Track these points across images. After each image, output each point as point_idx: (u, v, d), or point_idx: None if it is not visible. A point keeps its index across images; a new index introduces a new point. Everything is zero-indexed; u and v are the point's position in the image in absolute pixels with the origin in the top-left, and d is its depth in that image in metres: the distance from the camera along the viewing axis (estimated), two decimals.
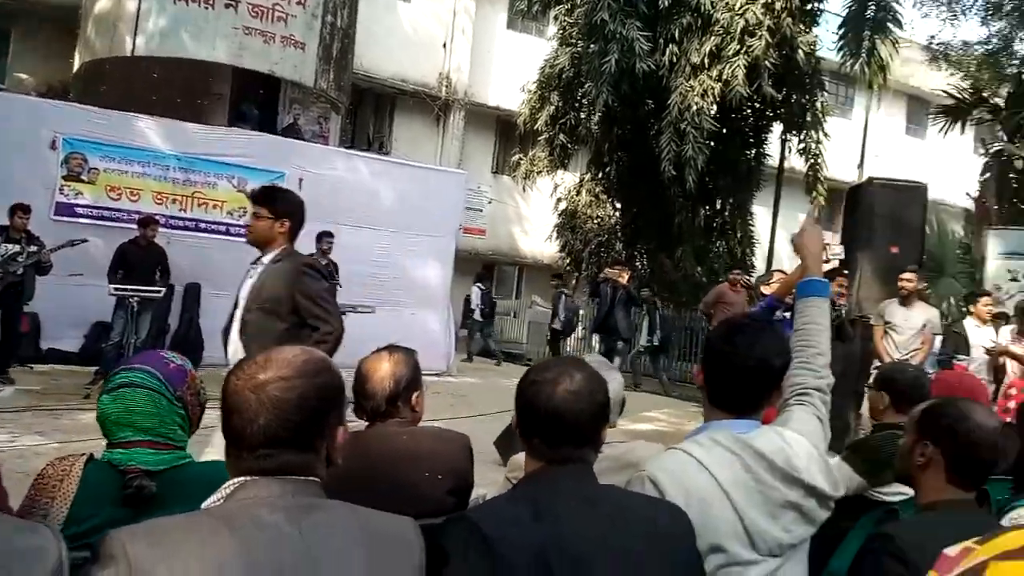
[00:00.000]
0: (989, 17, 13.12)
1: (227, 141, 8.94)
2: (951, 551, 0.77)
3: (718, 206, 12.92)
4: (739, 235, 12.89)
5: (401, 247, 9.83)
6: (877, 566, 1.62)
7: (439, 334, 10.13)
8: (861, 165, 16.38)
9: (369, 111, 17.66)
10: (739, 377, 1.63)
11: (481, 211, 18.12)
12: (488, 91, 17.66)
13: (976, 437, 1.70)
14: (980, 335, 6.38)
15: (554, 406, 1.33)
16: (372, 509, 1.14)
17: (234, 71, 10.66)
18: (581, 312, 13.62)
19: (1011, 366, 5.99)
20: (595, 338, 11.01)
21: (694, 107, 10.03)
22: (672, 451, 1.56)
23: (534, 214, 17.84)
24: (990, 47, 13.31)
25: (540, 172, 14.50)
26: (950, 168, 17.27)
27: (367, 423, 1.99)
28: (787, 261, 19.39)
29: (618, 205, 14.05)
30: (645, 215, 12.90)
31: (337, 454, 1.14)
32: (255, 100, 11.08)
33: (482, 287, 13.40)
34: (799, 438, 1.60)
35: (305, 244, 8.15)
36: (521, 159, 14.94)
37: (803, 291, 1.88)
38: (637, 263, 13.63)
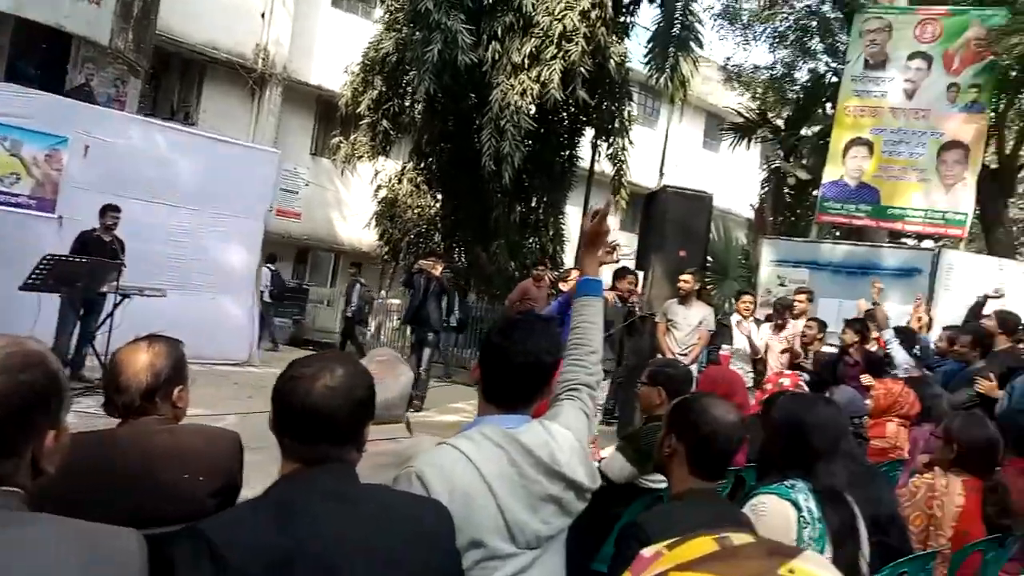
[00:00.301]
0: (775, 45, 14.63)
1: (1, 99, 7.90)
2: (647, 552, 0.79)
3: (533, 203, 13.31)
4: (551, 233, 13.37)
5: (203, 227, 9.19)
6: (625, 552, 1.74)
7: (241, 321, 9.61)
8: (662, 173, 17.63)
9: (175, 78, 16.34)
10: (512, 373, 1.68)
11: (297, 193, 17.44)
12: (310, 68, 16.99)
13: (711, 431, 1.86)
14: (741, 329, 7.13)
15: (311, 403, 1.28)
16: (88, 521, 1.03)
17: (15, 22, 9.42)
18: (397, 302, 13.50)
19: (772, 360, 6.72)
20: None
21: (513, 105, 10.25)
22: (442, 446, 1.57)
23: (354, 200, 17.44)
24: (775, 73, 14.84)
25: (361, 157, 14.14)
26: (739, 181, 19.03)
27: (119, 420, 1.83)
28: None
29: (439, 196, 14.07)
30: (465, 208, 13.00)
31: (47, 461, 1.02)
32: (38, 56, 9.85)
33: (271, 267, 12.86)
34: (564, 432, 1.67)
35: (88, 217, 7.47)
36: (342, 142, 14.50)
37: (580, 291, 1.96)
38: (456, 255, 13.74)
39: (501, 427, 1.61)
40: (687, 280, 6.98)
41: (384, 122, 13.05)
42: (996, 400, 4.84)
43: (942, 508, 2.99)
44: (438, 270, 9.02)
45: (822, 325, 6.77)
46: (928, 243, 11.36)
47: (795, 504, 2.12)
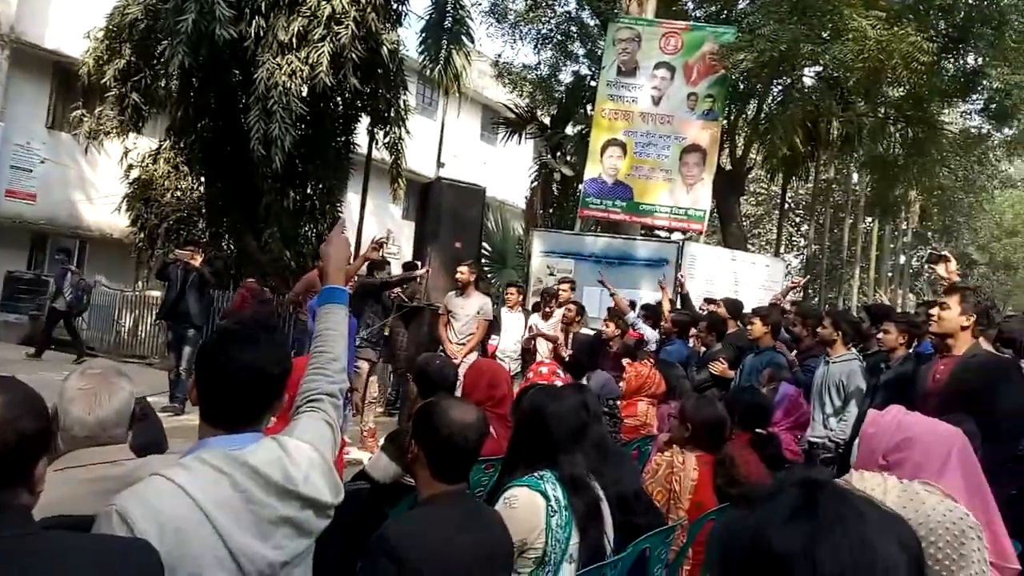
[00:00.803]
0: (540, 46, 15.31)
1: None
2: None
3: (308, 190, 12.80)
4: (329, 220, 12.95)
5: None
6: (372, 566, 1.69)
7: None
8: (440, 163, 17.78)
9: None
10: (234, 389, 1.52)
11: (31, 172, 15.30)
12: (44, 32, 14.88)
13: (448, 434, 1.86)
14: (510, 319, 7.42)
15: None
16: None
17: None
18: (157, 295, 12.34)
19: (541, 347, 7.05)
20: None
21: (281, 86, 9.73)
22: (151, 478, 1.39)
23: (101, 180, 15.63)
24: (540, 72, 15.51)
25: (108, 133, 12.70)
26: (516, 173, 19.75)
27: None
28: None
29: (202, 179, 13.04)
30: (232, 192, 12.16)
31: None
32: None
33: None
34: (301, 446, 1.56)
35: None
36: (84, 115, 12.91)
37: (323, 299, 1.87)
38: (223, 243, 12.85)
39: (224, 449, 1.46)
40: (463, 271, 7.10)
41: (134, 95, 11.81)
42: (730, 380, 5.48)
43: (680, 483, 3.29)
44: (198, 260, 8.37)
45: (581, 309, 7.21)
46: (677, 235, 12.51)
47: (544, 494, 2.22)
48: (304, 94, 10.35)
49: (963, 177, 16.22)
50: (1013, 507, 2.57)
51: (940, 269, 4.53)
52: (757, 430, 3.90)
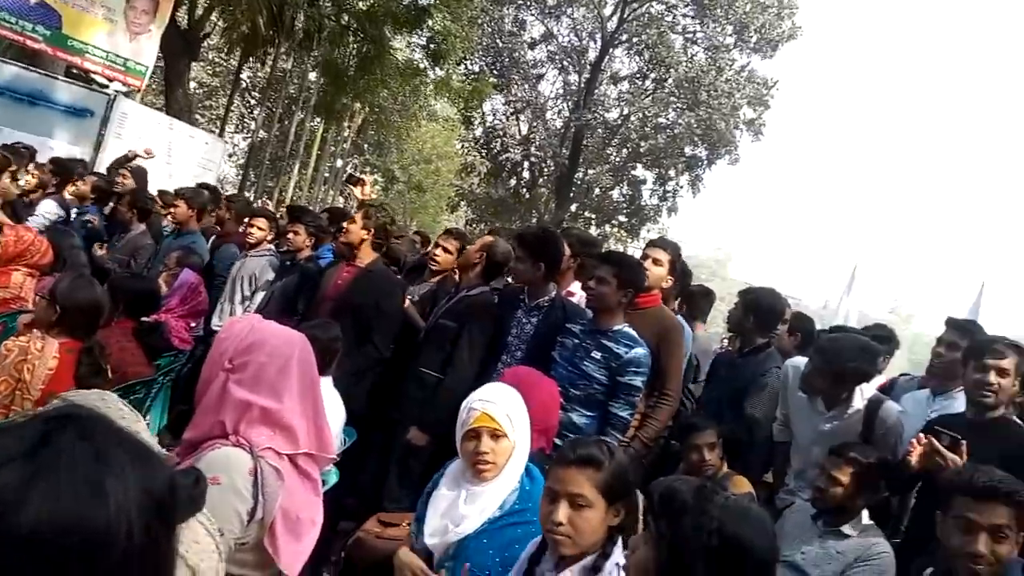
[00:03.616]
0: None
1: None
2: None
3: None
4: None
5: None
6: None
7: None
8: None
9: None
10: None
11: None
12: None
13: None
14: None
15: None
16: None
17: None
18: None
19: None
20: None
21: None
22: None
23: None
24: None
25: None
26: None
27: None
28: None
29: None
30: None
31: None
32: None
33: None
34: None
35: None
36: None
37: None
38: None
39: None
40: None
41: None
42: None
43: (32, 371, 2.95)
44: None
45: None
46: (116, 86, 11.00)
47: None
48: None
49: (400, 101, 18.22)
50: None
51: (356, 191, 5.06)
52: (143, 318, 3.74)
